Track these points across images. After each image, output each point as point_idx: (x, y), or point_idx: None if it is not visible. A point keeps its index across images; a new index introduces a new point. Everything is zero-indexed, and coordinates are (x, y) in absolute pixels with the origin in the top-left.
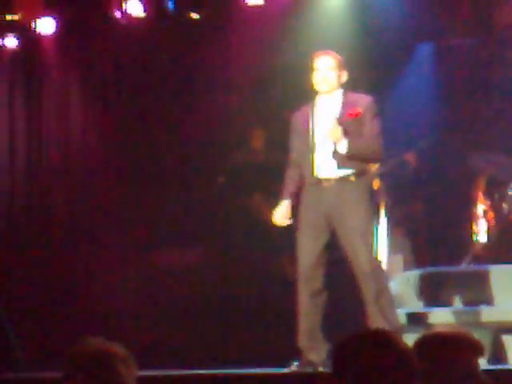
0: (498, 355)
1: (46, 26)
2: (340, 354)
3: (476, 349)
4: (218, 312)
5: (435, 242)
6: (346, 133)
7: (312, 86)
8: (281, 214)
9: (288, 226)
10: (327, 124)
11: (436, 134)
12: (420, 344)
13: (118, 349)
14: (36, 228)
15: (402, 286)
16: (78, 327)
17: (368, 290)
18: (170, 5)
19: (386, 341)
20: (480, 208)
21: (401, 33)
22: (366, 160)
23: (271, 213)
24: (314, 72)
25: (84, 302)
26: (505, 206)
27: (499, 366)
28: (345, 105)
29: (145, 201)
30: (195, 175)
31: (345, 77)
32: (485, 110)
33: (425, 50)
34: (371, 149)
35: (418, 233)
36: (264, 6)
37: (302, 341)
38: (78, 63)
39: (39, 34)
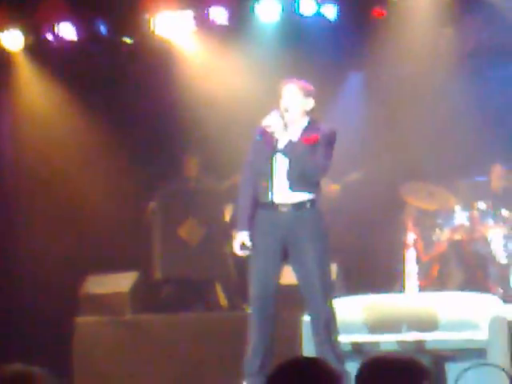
0: (440, 383)
1: None
2: (274, 381)
3: (423, 373)
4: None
5: (367, 269)
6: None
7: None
8: (240, 245)
9: (219, 252)
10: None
11: (367, 164)
12: (365, 369)
13: (37, 370)
14: None
15: (342, 312)
16: None
17: (319, 317)
18: (103, 29)
19: (317, 369)
20: (410, 236)
21: (333, 63)
22: (308, 176)
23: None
24: (281, 98)
25: None
26: (434, 234)
27: None
28: (306, 131)
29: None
30: (127, 201)
31: (310, 104)
32: (417, 138)
33: (356, 80)
34: (315, 166)
35: (350, 260)
36: (206, 31)
37: (252, 366)
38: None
39: None
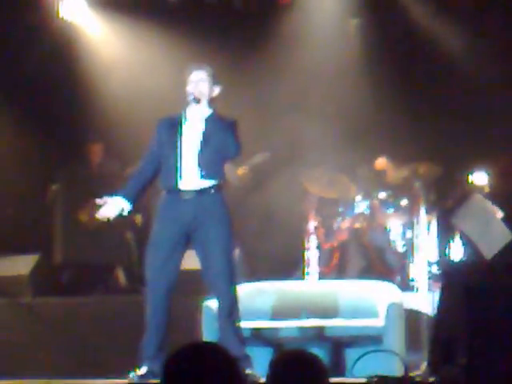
0: (339, 368)
1: None
2: (171, 365)
3: (321, 369)
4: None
5: (269, 256)
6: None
7: (185, 97)
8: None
9: (121, 236)
10: (196, 136)
11: (270, 150)
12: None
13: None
14: None
15: (243, 298)
16: None
17: (222, 302)
18: None
19: (215, 354)
20: (311, 224)
21: (238, 48)
22: (227, 152)
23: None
24: (188, 84)
25: None
26: (335, 222)
27: (341, 379)
28: (212, 118)
29: None
30: (29, 183)
31: (217, 91)
32: (318, 125)
33: (261, 66)
34: (234, 141)
35: (253, 246)
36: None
37: (149, 351)
38: None
39: None
